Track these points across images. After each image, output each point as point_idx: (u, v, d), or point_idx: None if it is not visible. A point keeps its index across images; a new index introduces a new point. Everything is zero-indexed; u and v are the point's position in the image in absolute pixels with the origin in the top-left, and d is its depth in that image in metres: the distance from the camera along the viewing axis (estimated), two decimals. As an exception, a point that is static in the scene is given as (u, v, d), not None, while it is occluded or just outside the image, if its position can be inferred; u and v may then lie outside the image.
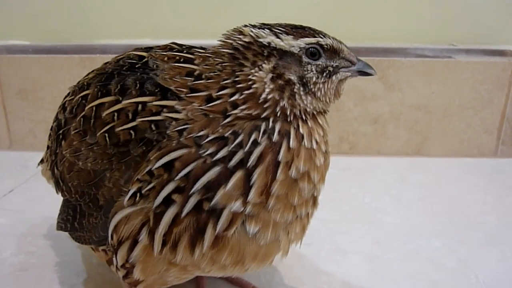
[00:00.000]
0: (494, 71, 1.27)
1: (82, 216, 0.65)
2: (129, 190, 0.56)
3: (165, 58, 0.62)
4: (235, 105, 0.56)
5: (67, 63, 1.29)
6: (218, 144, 0.54)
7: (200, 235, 0.55)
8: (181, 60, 0.61)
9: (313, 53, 0.58)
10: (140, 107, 0.57)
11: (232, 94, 0.56)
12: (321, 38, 0.58)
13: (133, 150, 0.56)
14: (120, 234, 0.58)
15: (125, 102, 0.58)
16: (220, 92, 0.56)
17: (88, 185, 0.61)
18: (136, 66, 0.63)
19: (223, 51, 0.58)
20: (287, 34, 0.57)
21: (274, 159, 0.55)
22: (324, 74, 0.59)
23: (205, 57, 0.60)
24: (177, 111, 0.56)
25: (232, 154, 0.54)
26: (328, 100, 0.61)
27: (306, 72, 0.58)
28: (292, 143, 0.56)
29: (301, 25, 0.60)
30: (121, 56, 0.67)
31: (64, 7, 1.31)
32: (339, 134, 1.34)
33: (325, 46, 0.58)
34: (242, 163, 0.54)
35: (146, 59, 0.63)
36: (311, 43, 0.58)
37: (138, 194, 0.56)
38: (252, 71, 0.56)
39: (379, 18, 1.28)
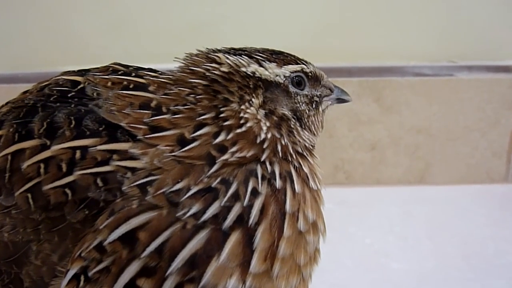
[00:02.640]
0: (499, 88, 1.16)
1: None
2: (67, 271, 0.42)
3: (108, 84, 0.49)
4: (222, 148, 0.45)
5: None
6: (205, 199, 0.42)
7: None
8: (130, 86, 0.48)
9: (299, 82, 0.52)
10: (78, 154, 0.43)
11: (216, 134, 0.45)
12: (304, 65, 0.52)
13: (70, 215, 0.43)
14: None
15: (55, 148, 0.44)
16: (198, 132, 0.45)
17: (6, 262, 0.45)
18: (69, 95, 0.48)
19: (193, 82, 0.48)
20: (269, 61, 0.50)
21: (279, 210, 0.45)
22: (313, 105, 0.54)
23: (160, 83, 0.48)
24: (133, 158, 0.43)
25: (226, 210, 0.43)
26: (319, 133, 0.55)
27: (298, 105, 0.52)
28: (297, 186, 0.47)
29: (278, 50, 0.52)
30: (46, 83, 0.52)
31: (26, 31, 1.19)
32: (333, 162, 1.21)
33: (309, 74, 0.52)
34: (240, 220, 0.43)
35: (82, 86, 0.49)
36: (296, 71, 0.51)
37: (82, 277, 0.42)
38: (242, 107, 0.47)
39: (372, 35, 1.18)
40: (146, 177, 0.42)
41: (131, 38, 1.19)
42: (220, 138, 0.45)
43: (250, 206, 0.43)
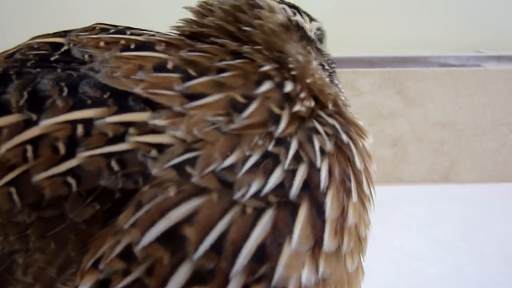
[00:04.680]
0: (530, 80, 1.10)
1: None
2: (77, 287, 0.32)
3: (101, 44, 0.38)
4: (289, 100, 0.37)
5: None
6: (264, 167, 0.33)
7: None
8: (131, 46, 0.38)
9: (320, 39, 0.46)
10: (80, 129, 0.32)
11: (280, 85, 0.37)
12: (317, 21, 0.47)
13: (73, 213, 0.32)
14: None
15: (46, 123, 0.33)
16: (260, 89, 0.36)
17: None
18: (51, 58, 0.37)
19: (242, 31, 0.39)
20: (301, 14, 0.44)
21: (343, 171, 0.37)
22: (331, 65, 0.48)
23: (170, 41, 0.39)
24: (156, 131, 0.33)
25: (291, 175, 0.33)
26: None
27: (327, 61, 0.46)
28: (359, 142, 0.40)
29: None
30: (15, 49, 0.40)
31: (23, 21, 1.11)
32: (352, 159, 1.14)
33: (323, 31, 0.47)
34: (307, 186, 0.34)
35: (66, 48, 0.38)
36: (319, 28, 0.46)
37: None
38: (308, 58, 0.41)
39: (395, 23, 1.11)
40: (183, 153, 0.32)
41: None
42: (287, 88, 0.37)
43: (318, 168, 0.35)
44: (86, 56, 0.37)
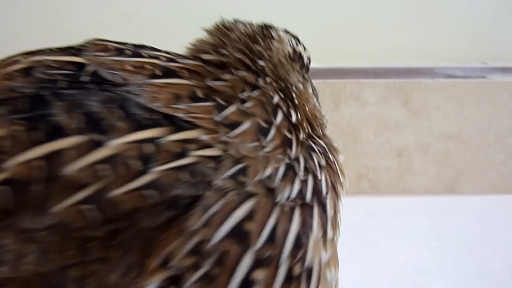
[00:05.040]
0: (535, 92, 1.09)
1: None
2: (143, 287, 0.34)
3: (128, 67, 0.40)
4: (296, 129, 0.46)
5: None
6: (290, 178, 0.41)
7: None
8: (157, 72, 0.41)
9: (308, 67, 0.53)
10: (149, 148, 0.35)
11: (289, 115, 0.46)
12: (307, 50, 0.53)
13: (145, 221, 0.34)
14: None
15: (115, 143, 0.34)
16: (277, 119, 0.44)
17: None
18: (81, 79, 0.38)
19: (255, 64, 0.45)
20: (299, 42, 0.51)
21: (332, 180, 0.47)
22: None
23: (191, 67, 0.43)
24: (208, 146, 0.38)
25: (305, 184, 0.42)
26: None
27: (312, 85, 0.54)
28: (338, 159, 0.50)
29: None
30: (24, 65, 0.39)
31: (31, 26, 1.11)
32: (357, 170, 1.13)
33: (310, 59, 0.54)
34: (315, 192, 0.43)
35: (92, 68, 0.39)
36: (309, 57, 0.52)
37: None
38: (306, 86, 0.50)
39: (400, 34, 1.10)
40: (235, 165, 0.38)
41: (141, 35, 1.11)
42: (293, 118, 0.45)
43: (320, 179, 0.44)
44: (117, 78, 0.38)
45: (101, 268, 0.34)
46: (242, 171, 0.38)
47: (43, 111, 0.35)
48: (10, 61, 0.40)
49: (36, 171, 0.33)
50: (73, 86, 0.37)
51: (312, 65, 0.61)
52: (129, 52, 0.42)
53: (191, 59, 0.45)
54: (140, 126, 0.36)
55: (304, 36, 0.57)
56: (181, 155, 0.36)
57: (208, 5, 1.09)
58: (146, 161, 0.35)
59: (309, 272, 0.40)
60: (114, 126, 0.35)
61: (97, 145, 0.34)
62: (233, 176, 0.37)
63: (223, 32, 0.46)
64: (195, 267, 0.35)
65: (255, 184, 0.38)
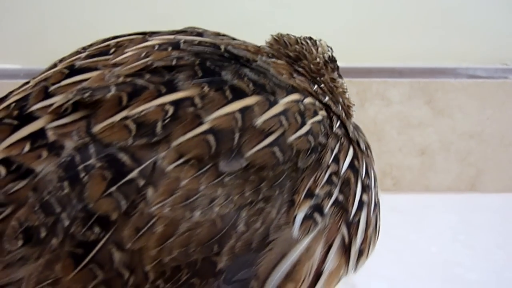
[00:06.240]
0: (555, 92, 1.12)
1: None
2: (295, 217, 0.43)
3: (250, 49, 0.52)
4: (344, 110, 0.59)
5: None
6: (356, 133, 0.56)
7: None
8: (269, 54, 0.55)
9: (338, 68, 0.64)
10: (302, 106, 0.47)
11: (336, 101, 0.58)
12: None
13: (301, 162, 0.45)
14: (298, 277, 0.43)
15: (284, 101, 0.46)
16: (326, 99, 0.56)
17: (205, 247, 0.38)
18: (225, 55, 0.48)
19: (315, 62, 0.58)
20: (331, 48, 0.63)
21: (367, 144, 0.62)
22: None
23: (276, 55, 0.57)
24: (322, 107, 0.52)
25: (361, 139, 0.58)
26: None
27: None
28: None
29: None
30: (161, 41, 0.48)
31: (61, 24, 1.12)
32: (381, 167, 1.15)
33: None
34: (367, 146, 0.58)
35: (224, 47, 0.49)
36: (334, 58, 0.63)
37: (315, 215, 0.45)
38: (340, 82, 0.61)
39: (424, 35, 1.13)
40: (337, 121, 0.51)
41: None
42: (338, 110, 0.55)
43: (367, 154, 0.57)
44: (242, 55, 0.48)
45: (266, 206, 0.42)
46: (343, 125, 0.52)
47: (218, 77, 0.43)
48: (145, 38, 0.51)
49: (234, 122, 0.41)
50: (222, 60, 0.46)
51: (341, 64, 0.65)
52: (236, 41, 0.53)
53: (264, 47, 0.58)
54: (288, 91, 0.47)
55: (323, 35, 0.62)
56: (315, 113, 0.48)
57: (230, 9, 1.12)
58: (302, 116, 0.46)
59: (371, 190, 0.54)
60: (273, 89, 0.45)
61: (271, 103, 0.44)
62: (339, 128, 0.50)
63: (283, 41, 0.57)
64: (329, 194, 0.46)
65: (352, 133, 0.52)
